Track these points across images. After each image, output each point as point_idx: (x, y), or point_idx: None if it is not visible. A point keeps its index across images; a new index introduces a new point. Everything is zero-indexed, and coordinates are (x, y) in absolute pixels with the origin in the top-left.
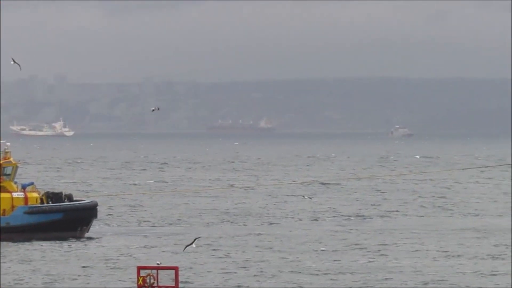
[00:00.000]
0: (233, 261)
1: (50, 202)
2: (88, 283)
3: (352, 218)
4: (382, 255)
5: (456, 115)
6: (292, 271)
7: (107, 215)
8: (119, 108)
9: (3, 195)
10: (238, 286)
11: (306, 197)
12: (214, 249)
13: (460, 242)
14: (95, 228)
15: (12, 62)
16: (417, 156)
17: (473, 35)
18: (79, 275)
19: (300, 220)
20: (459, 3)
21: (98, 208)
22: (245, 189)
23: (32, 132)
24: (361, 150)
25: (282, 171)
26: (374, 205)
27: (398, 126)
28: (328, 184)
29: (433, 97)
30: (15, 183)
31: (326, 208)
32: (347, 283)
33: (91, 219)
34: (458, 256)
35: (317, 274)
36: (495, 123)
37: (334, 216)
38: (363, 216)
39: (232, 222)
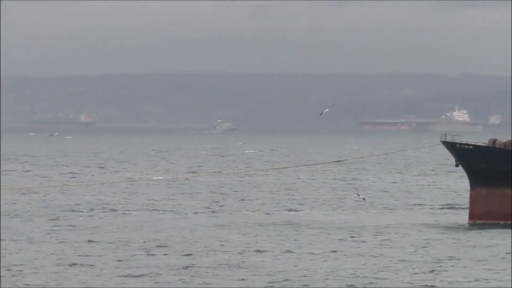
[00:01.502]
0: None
1: None
2: None
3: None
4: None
5: (277, 110)
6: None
7: None
8: None
9: None
10: None
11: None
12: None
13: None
14: None
15: None
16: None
17: (298, 30)
18: None
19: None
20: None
21: None
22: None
23: None
24: (189, 145)
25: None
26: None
27: (220, 120)
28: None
29: (255, 91)
30: None
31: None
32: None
33: None
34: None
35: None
36: (315, 118)
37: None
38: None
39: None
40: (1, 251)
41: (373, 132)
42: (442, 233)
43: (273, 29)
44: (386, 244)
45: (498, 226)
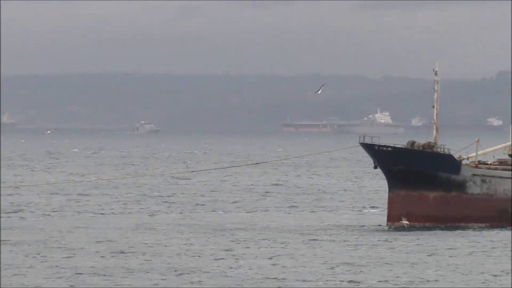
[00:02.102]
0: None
1: None
2: None
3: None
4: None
5: (201, 111)
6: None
7: None
8: None
9: None
10: None
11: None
12: None
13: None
14: None
15: None
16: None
17: (222, 31)
18: None
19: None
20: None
21: None
22: None
23: None
24: (120, 145)
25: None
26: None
27: (143, 122)
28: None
29: (179, 92)
30: None
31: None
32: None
33: None
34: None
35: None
36: (237, 119)
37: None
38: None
39: None
40: None
41: (296, 134)
42: (359, 235)
43: (197, 30)
44: (303, 247)
45: (415, 228)
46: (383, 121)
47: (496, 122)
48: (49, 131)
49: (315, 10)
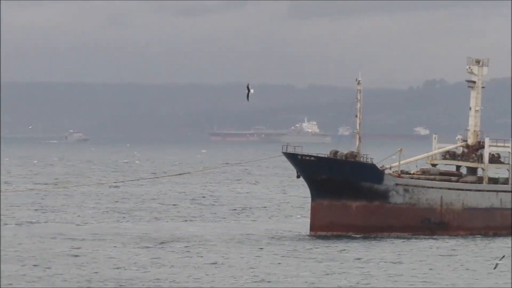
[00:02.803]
0: None
1: None
2: None
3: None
4: None
5: (129, 120)
6: None
7: None
8: None
9: None
10: None
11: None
12: None
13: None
14: None
15: None
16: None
17: (151, 40)
18: None
19: None
20: (134, 7)
21: None
22: None
23: None
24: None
25: None
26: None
27: (72, 130)
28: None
29: (108, 101)
30: None
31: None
32: None
33: None
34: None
35: None
36: (166, 128)
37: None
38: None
39: None
40: None
41: (223, 143)
42: (279, 244)
43: (125, 38)
44: (224, 256)
45: (338, 237)
46: (310, 130)
47: (423, 131)
48: None
49: (244, 19)
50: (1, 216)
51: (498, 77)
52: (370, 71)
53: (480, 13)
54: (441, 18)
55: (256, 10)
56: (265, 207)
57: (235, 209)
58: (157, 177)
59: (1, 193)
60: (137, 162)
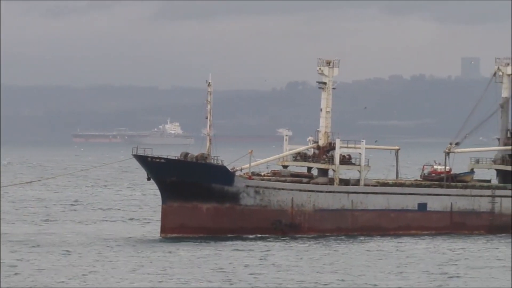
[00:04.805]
0: None
1: None
2: None
3: None
4: None
5: None
6: None
7: None
8: None
9: None
10: None
11: None
12: None
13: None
14: None
15: None
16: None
17: (11, 41)
18: None
19: None
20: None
21: None
22: None
23: None
24: None
25: None
26: None
27: None
28: None
29: None
30: None
31: None
32: None
33: None
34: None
35: None
36: (27, 130)
37: None
38: None
39: None
40: None
41: (86, 145)
42: (131, 246)
43: None
44: (73, 258)
45: (188, 239)
46: (173, 131)
47: (286, 132)
48: None
49: (111, 20)
50: None
51: (361, 79)
52: (236, 72)
53: (345, 16)
54: (306, 20)
55: (123, 11)
56: (119, 209)
57: (92, 211)
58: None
59: None
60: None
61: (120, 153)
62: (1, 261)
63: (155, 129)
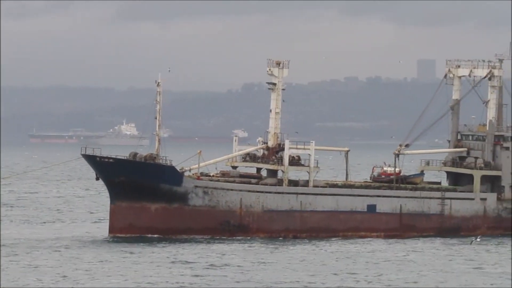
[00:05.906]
0: None
1: None
2: None
3: None
4: None
5: None
6: None
7: None
8: None
9: None
10: None
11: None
12: None
13: None
14: None
15: None
16: None
17: None
18: None
19: None
20: None
21: None
22: None
23: None
24: None
25: None
26: None
27: None
28: None
29: None
30: None
31: None
32: None
33: None
34: None
35: None
36: None
37: None
38: None
39: None
40: None
41: (42, 145)
42: (77, 247)
43: None
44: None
45: (137, 239)
46: (128, 132)
47: (241, 133)
48: None
49: (68, 21)
50: None
51: (317, 80)
52: (192, 74)
53: (303, 17)
54: (264, 22)
55: (81, 12)
56: (69, 209)
57: (42, 212)
58: None
59: None
60: None
61: (71, 155)
62: None
63: (111, 130)
